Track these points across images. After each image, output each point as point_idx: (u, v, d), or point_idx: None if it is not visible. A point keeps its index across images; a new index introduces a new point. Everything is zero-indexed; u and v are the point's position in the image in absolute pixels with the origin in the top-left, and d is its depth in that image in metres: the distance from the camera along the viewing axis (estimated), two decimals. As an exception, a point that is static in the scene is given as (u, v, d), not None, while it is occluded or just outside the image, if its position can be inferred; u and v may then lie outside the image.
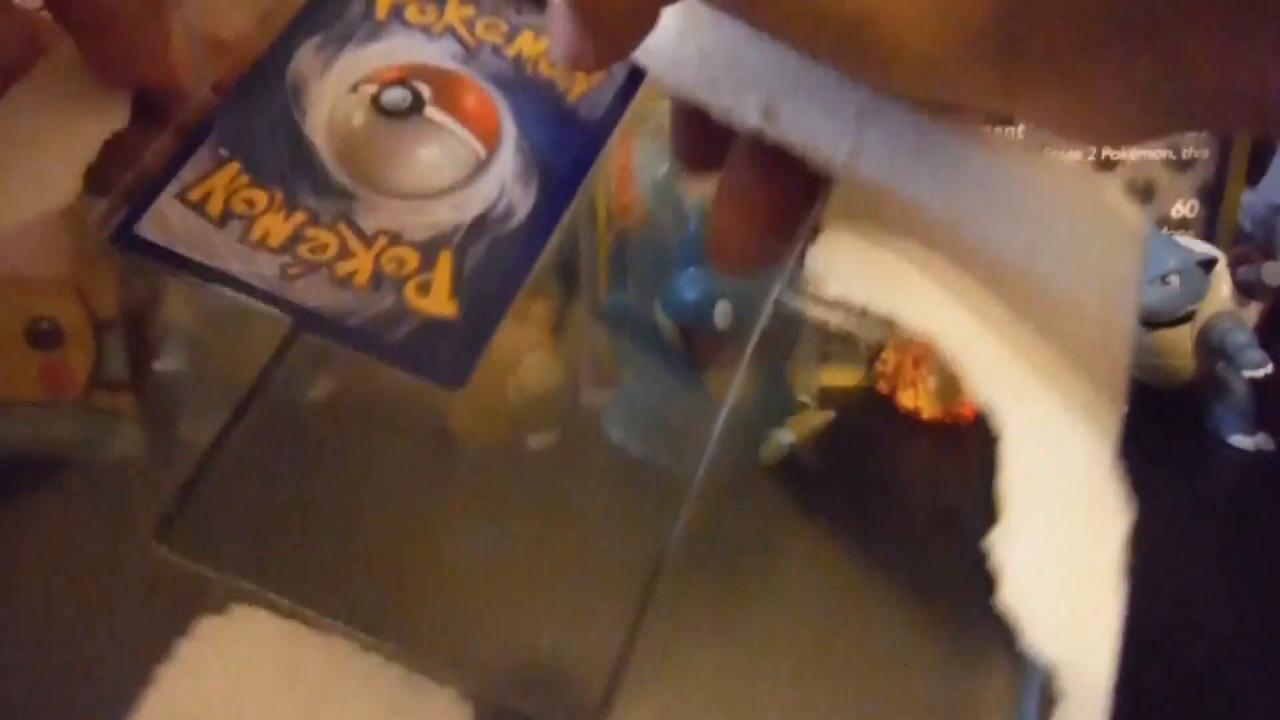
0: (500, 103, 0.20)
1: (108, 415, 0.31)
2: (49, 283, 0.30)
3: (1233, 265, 0.42)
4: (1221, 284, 0.41)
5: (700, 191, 0.34)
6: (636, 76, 0.21)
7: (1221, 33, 0.14)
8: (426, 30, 0.20)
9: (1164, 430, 0.37)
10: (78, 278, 0.31)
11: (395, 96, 0.20)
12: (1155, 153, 0.46)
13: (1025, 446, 0.18)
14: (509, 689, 0.21)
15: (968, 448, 0.38)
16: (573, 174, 0.20)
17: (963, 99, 0.17)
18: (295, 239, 0.18)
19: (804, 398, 0.39)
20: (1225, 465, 0.39)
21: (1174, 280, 0.39)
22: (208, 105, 0.19)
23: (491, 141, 0.20)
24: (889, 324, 0.18)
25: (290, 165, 0.19)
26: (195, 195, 0.18)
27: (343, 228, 0.18)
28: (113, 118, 0.19)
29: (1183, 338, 0.40)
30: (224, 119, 0.19)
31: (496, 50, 0.21)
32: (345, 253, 0.18)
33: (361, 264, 0.18)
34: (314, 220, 0.18)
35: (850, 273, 0.19)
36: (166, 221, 0.18)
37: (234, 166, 0.18)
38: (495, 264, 0.19)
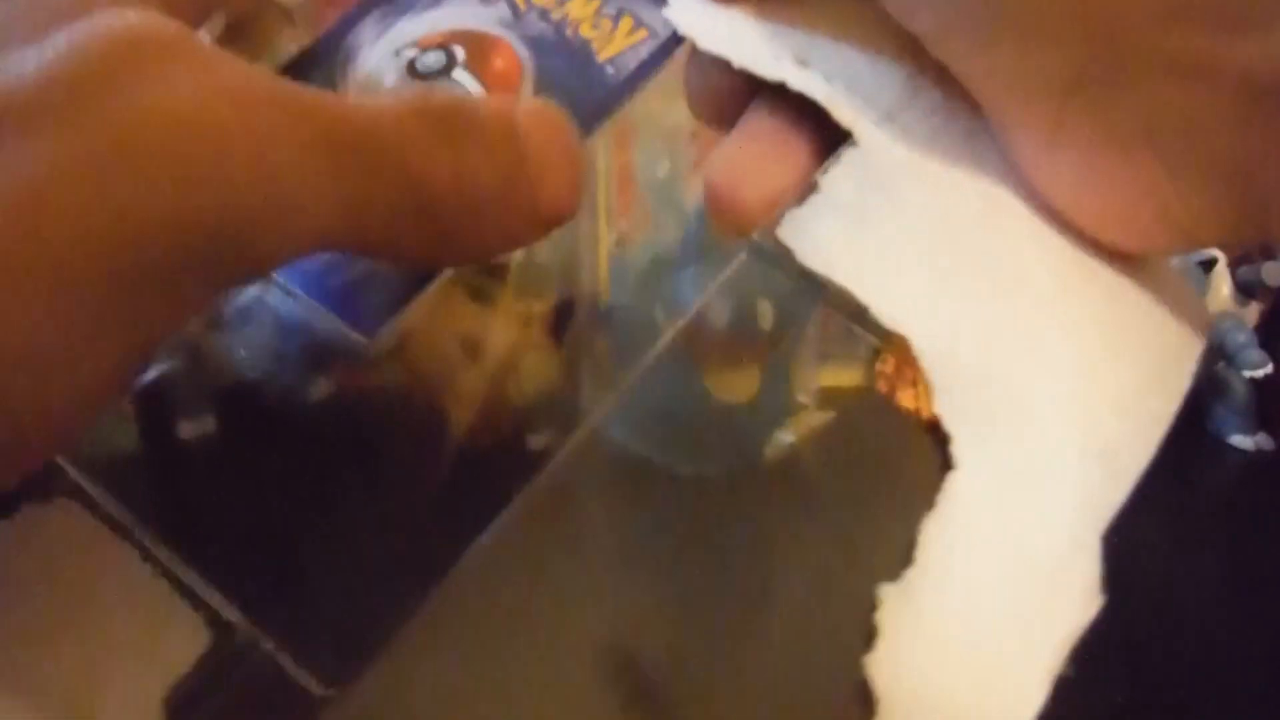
0: (528, 64, 0.20)
1: (108, 415, 0.31)
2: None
3: (1233, 265, 0.42)
4: (1221, 284, 0.41)
5: (701, 194, 0.34)
6: (674, 39, 0.21)
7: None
8: None
9: (1164, 430, 0.37)
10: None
11: (430, 60, 0.20)
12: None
13: (977, 492, 0.15)
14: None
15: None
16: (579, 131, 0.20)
17: (1013, 117, 0.15)
18: None
19: (804, 398, 0.39)
20: (1225, 465, 0.39)
21: (1174, 280, 0.39)
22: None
23: (505, 94, 0.20)
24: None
25: None
26: None
27: None
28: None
29: (1183, 338, 0.40)
30: None
31: (544, 14, 0.21)
32: None
33: None
34: None
35: (833, 246, 0.16)
36: None
37: None
38: None
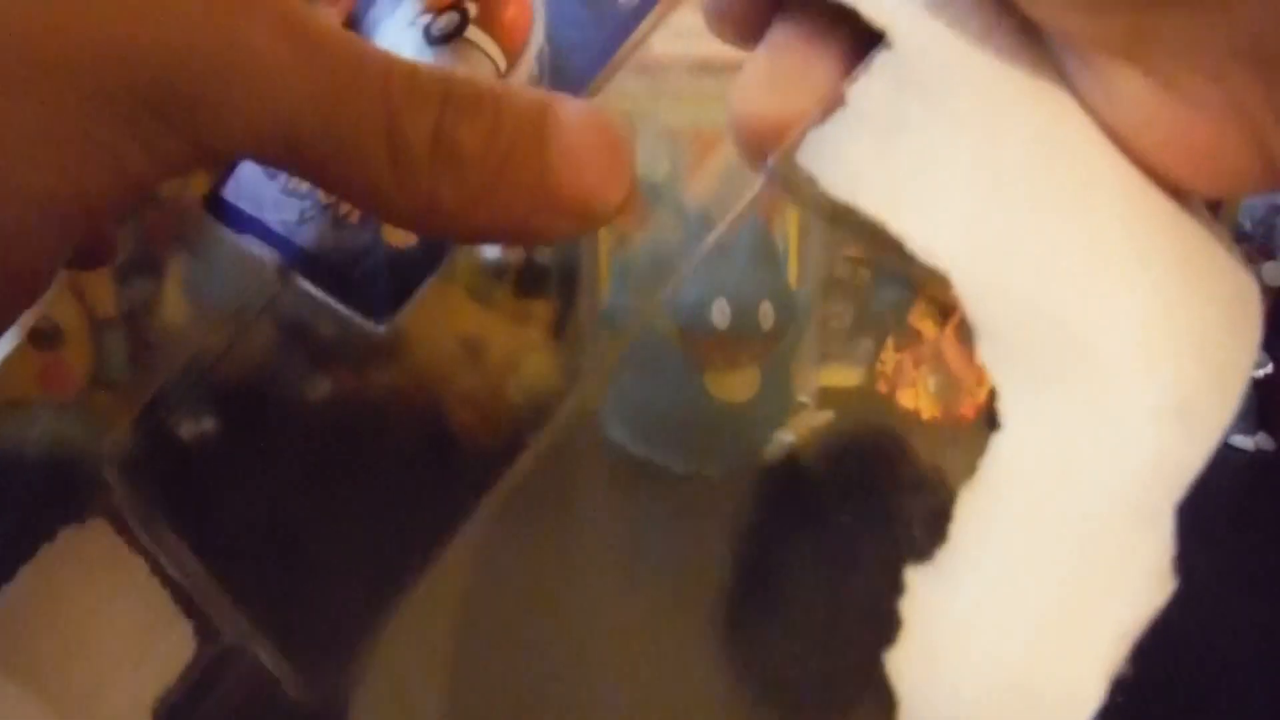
0: (538, 11, 0.20)
1: (108, 415, 0.31)
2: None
3: (1232, 265, 0.42)
4: (1221, 284, 0.41)
5: (701, 194, 0.34)
6: None
7: None
8: None
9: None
10: (78, 278, 0.30)
11: (444, 22, 0.20)
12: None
13: (1027, 455, 0.13)
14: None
15: (968, 448, 0.38)
16: (585, 72, 0.20)
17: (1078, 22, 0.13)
18: None
19: (804, 398, 0.39)
20: (1225, 465, 0.38)
21: (1174, 280, 0.39)
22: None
23: (515, 52, 0.20)
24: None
25: None
26: None
27: None
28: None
29: (1183, 338, 0.40)
30: None
31: None
32: None
33: None
34: None
35: (861, 166, 0.14)
36: (242, 183, 0.19)
37: None
38: None
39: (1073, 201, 0.14)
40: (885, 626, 0.13)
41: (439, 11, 0.20)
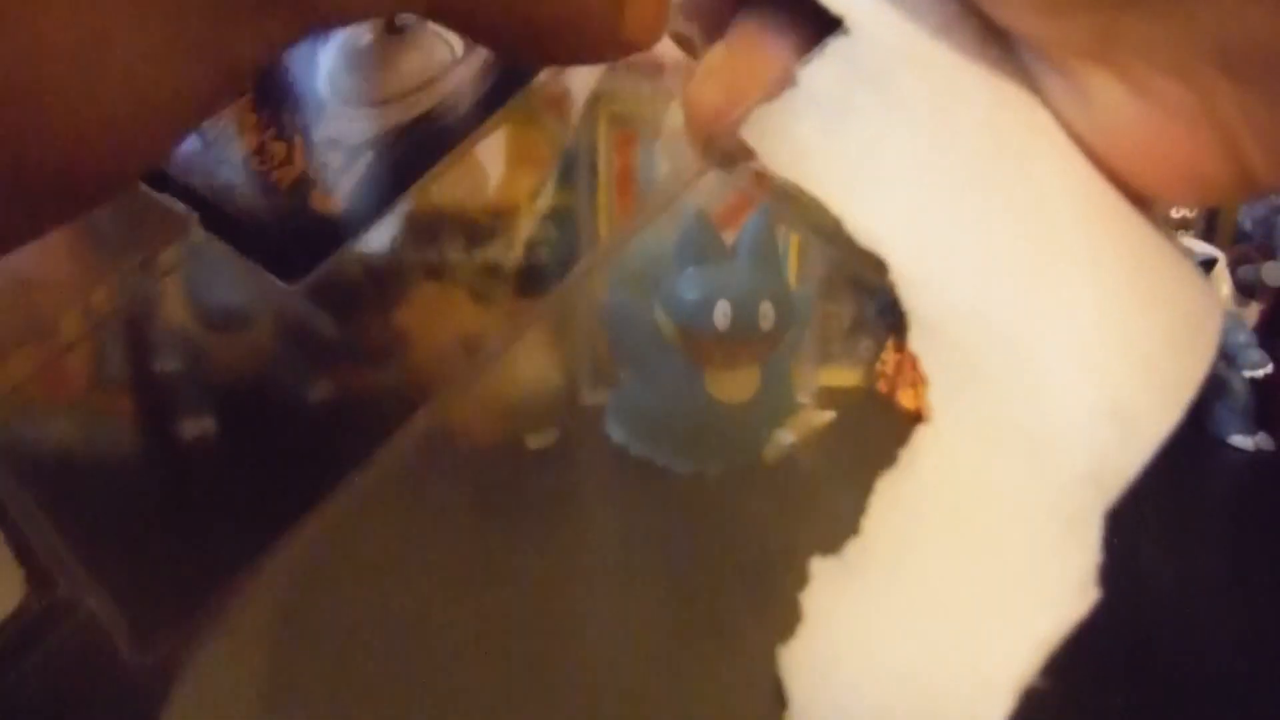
0: None
1: (108, 415, 0.31)
2: (49, 283, 0.30)
3: (1232, 265, 0.42)
4: (1221, 284, 0.41)
5: (700, 195, 0.34)
6: None
7: None
8: None
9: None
10: (78, 278, 0.30)
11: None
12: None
13: (951, 449, 0.12)
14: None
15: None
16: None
17: (1051, 25, 0.13)
18: (257, 151, 0.20)
19: (804, 398, 0.39)
20: (1225, 465, 0.39)
21: (1174, 280, 0.39)
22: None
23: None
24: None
25: (289, 86, 0.20)
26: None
27: (297, 138, 0.20)
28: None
29: (1183, 338, 0.40)
30: None
31: None
32: (286, 160, 0.19)
33: (294, 171, 0.19)
34: (278, 133, 0.20)
35: (806, 145, 0.14)
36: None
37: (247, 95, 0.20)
38: (404, 163, 0.20)
39: (1021, 200, 0.13)
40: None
41: None
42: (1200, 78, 0.12)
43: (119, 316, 0.26)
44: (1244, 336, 0.39)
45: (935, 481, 0.12)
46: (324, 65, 0.20)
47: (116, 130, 0.11)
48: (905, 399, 0.41)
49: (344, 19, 0.12)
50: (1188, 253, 0.14)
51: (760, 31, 0.16)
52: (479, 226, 0.27)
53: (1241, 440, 0.39)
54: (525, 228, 0.30)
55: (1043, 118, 0.14)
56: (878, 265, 0.13)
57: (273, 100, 0.20)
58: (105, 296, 0.29)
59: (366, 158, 0.20)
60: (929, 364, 0.12)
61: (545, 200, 0.31)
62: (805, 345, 0.40)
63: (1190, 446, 0.40)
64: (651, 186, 0.36)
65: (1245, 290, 0.43)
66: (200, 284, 0.21)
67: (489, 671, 0.26)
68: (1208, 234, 0.45)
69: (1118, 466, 0.12)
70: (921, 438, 0.12)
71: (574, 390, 0.36)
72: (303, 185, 0.19)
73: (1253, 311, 0.43)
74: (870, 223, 0.13)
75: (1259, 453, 0.39)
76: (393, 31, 0.20)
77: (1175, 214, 0.46)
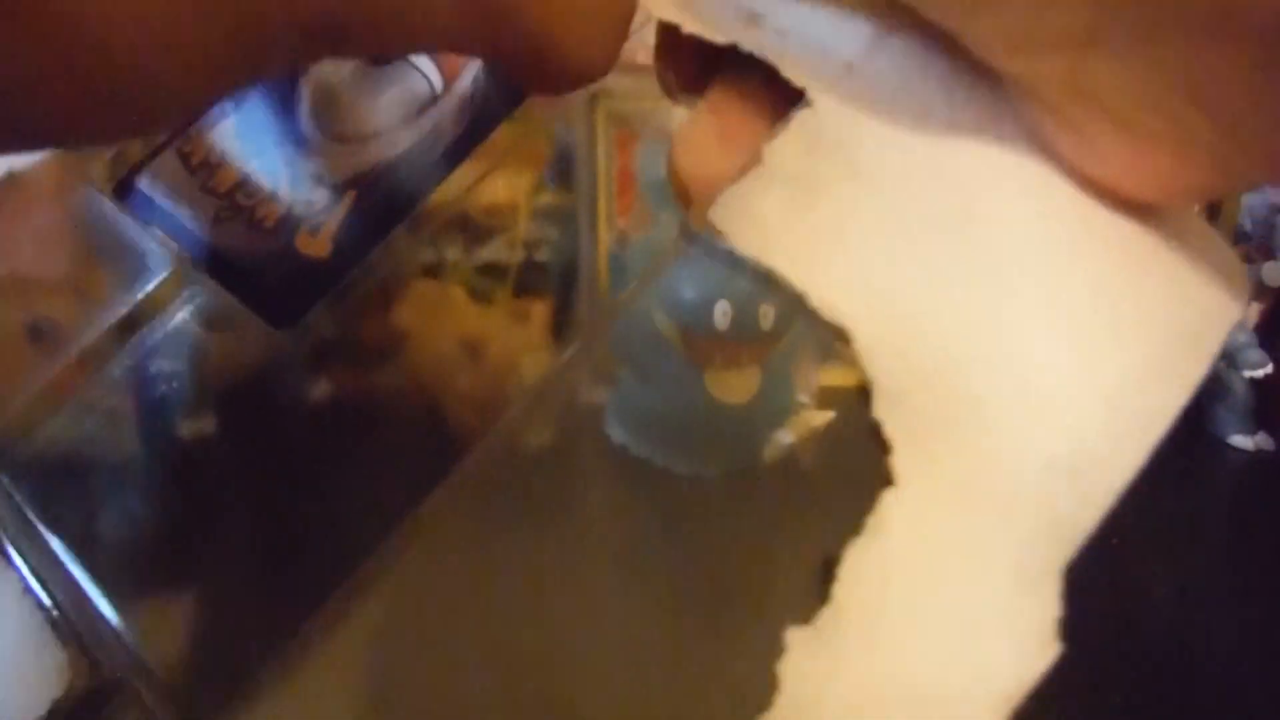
0: None
1: (108, 415, 0.31)
2: (49, 283, 0.30)
3: (1233, 265, 0.42)
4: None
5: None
6: None
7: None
8: None
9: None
10: (78, 278, 0.30)
11: None
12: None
13: (914, 514, 0.12)
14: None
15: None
16: (516, 95, 0.20)
17: (1029, 66, 0.13)
18: (238, 185, 0.19)
19: (804, 398, 0.39)
20: (1225, 465, 0.39)
21: (1174, 280, 0.39)
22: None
23: (453, 73, 0.20)
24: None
25: (273, 120, 0.20)
26: (189, 148, 0.20)
27: (281, 172, 0.20)
28: None
29: (1183, 338, 0.40)
30: None
31: None
32: (270, 197, 0.19)
33: (278, 208, 0.19)
34: (261, 166, 0.20)
35: (772, 225, 0.14)
36: (160, 173, 0.19)
37: (229, 123, 0.20)
38: (386, 202, 0.20)
39: (982, 258, 0.13)
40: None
41: None
42: (1174, 110, 0.13)
43: (119, 316, 0.26)
44: (1244, 336, 0.39)
45: (903, 547, 0.12)
46: (305, 99, 0.20)
47: (153, 82, 0.11)
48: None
49: (406, 50, 0.12)
50: (1209, 239, 0.14)
51: (735, 99, 0.16)
52: (479, 226, 0.27)
53: (1241, 440, 0.39)
54: (525, 228, 0.30)
55: (1012, 167, 0.14)
56: (841, 335, 0.13)
57: (255, 132, 0.20)
58: (106, 296, 0.28)
59: (350, 196, 0.20)
60: (892, 430, 0.12)
61: (545, 200, 0.31)
62: (805, 345, 0.40)
63: (1190, 446, 0.40)
64: (651, 187, 0.36)
65: (1245, 290, 0.42)
66: (200, 285, 0.21)
67: (488, 671, 0.26)
68: (1208, 234, 0.45)
69: (1077, 519, 0.12)
70: (887, 504, 0.12)
71: (574, 390, 0.36)
72: (288, 224, 0.19)
73: (1253, 311, 0.43)
74: (832, 297, 0.13)
75: (1259, 453, 0.39)
76: (375, 64, 0.20)
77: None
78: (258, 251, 0.19)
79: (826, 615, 0.12)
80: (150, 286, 0.22)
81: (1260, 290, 0.43)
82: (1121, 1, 0.12)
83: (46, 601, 0.20)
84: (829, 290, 0.13)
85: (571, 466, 0.34)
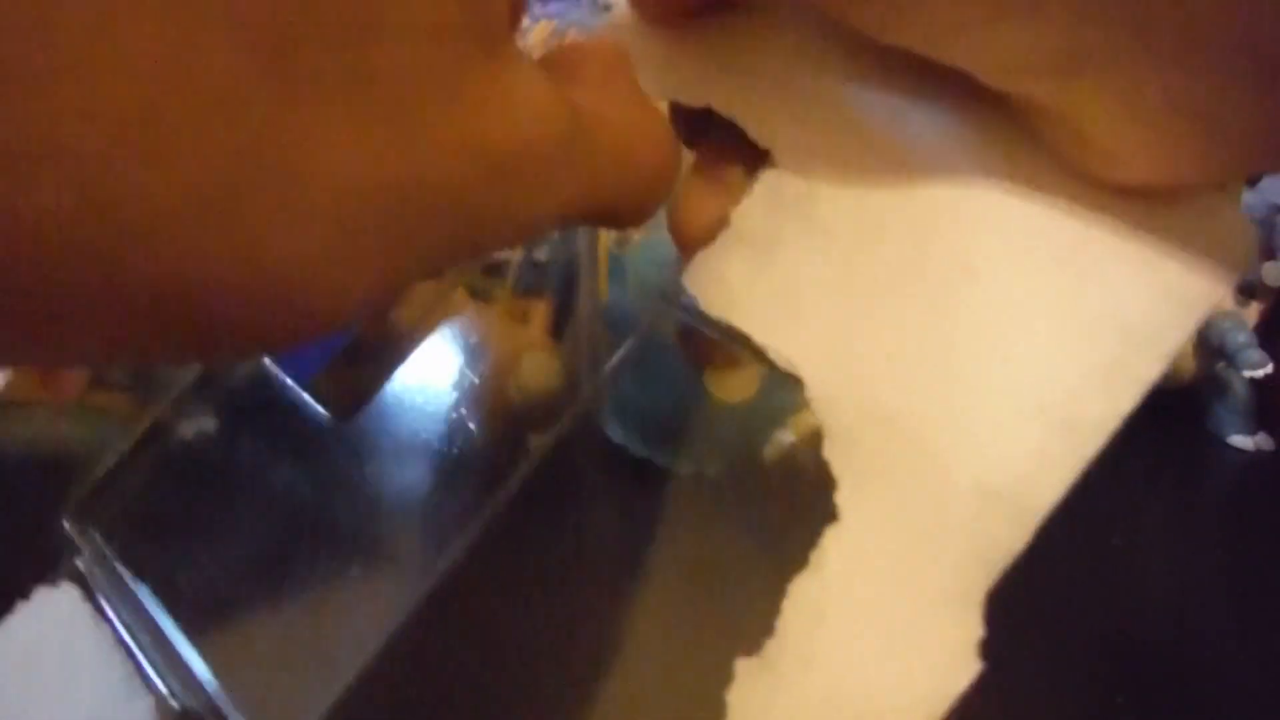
0: None
1: (108, 415, 0.31)
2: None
3: (1233, 265, 0.42)
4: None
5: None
6: None
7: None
8: None
9: (1164, 430, 0.37)
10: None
11: None
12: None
13: (854, 547, 0.13)
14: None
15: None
16: None
17: (1012, 52, 0.14)
18: None
19: (804, 398, 0.39)
20: (1225, 465, 0.39)
21: (1174, 280, 0.39)
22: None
23: None
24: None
25: None
26: None
27: None
28: None
29: (1183, 338, 0.40)
30: None
31: None
32: None
33: None
34: None
35: (736, 286, 0.15)
36: None
37: None
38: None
39: (929, 297, 0.14)
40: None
41: None
42: (1156, 120, 0.13)
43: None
44: (1244, 336, 0.38)
45: (839, 578, 0.13)
46: None
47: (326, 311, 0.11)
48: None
49: (495, 249, 0.13)
50: (1207, 219, 0.14)
51: (722, 153, 0.17)
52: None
53: (1241, 440, 0.39)
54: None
55: (961, 195, 0.14)
56: (797, 383, 0.14)
57: None
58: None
59: None
60: (839, 469, 0.13)
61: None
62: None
63: (1190, 446, 0.40)
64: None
65: (1245, 290, 0.42)
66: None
67: (488, 671, 0.26)
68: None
69: (1005, 542, 0.13)
70: (830, 538, 0.13)
71: (574, 390, 0.36)
72: None
73: (1253, 311, 0.43)
74: (787, 348, 0.14)
75: (1259, 453, 0.39)
76: None
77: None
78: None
79: (770, 644, 0.13)
80: None
81: (1260, 290, 0.42)
82: (1093, 35, 0.13)
83: (136, 651, 0.21)
84: (784, 342, 0.14)
85: (571, 466, 0.34)
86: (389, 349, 0.20)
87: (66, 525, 0.22)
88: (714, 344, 0.34)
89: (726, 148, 0.17)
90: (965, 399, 0.13)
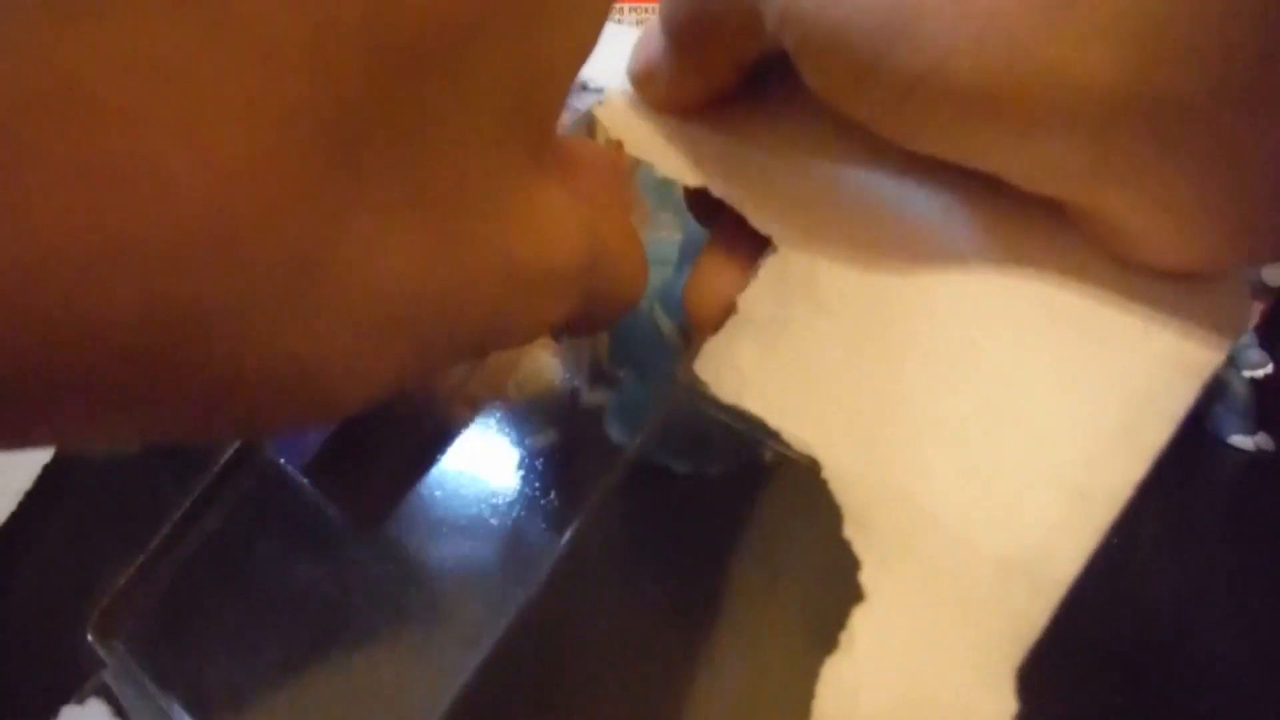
0: None
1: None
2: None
3: (1233, 265, 0.42)
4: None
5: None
6: None
7: None
8: None
9: (1164, 430, 0.37)
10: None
11: None
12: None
13: (883, 626, 0.13)
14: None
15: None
16: None
17: (1039, 164, 0.14)
18: None
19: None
20: (1225, 465, 0.39)
21: (1174, 280, 0.39)
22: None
23: None
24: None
25: None
26: None
27: None
28: None
29: (1183, 338, 0.40)
30: None
31: None
32: None
33: None
34: None
35: (746, 371, 0.15)
36: None
37: None
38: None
39: (941, 374, 0.14)
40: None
41: None
42: (1183, 216, 0.14)
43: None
44: (1244, 336, 0.38)
45: (870, 659, 0.13)
46: None
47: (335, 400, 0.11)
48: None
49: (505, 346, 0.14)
50: (1204, 285, 0.15)
51: (733, 234, 0.18)
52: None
53: (1241, 440, 0.39)
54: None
55: (966, 274, 0.15)
56: (813, 464, 0.14)
57: None
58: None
59: None
60: (860, 548, 0.13)
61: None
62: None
63: (1190, 446, 0.40)
64: (651, 187, 0.36)
65: (1245, 290, 0.42)
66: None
67: (488, 670, 0.26)
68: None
69: (1032, 615, 0.13)
70: (857, 619, 0.13)
71: (574, 390, 0.36)
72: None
73: (1253, 311, 0.43)
74: (799, 429, 0.14)
75: (1259, 453, 0.39)
76: None
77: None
78: (340, 437, 0.19)
79: None
80: (230, 453, 0.23)
81: (1260, 290, 0.42)
82: (1121, 146, 0.13)
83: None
84: (796, 424, 0.14)
85: (571, 466, 0.34)
86: (415, 446, 0.20)
87: (90, 638, 0.22)
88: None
89: (741, 225, 0.18)
90: (980, 473, 0.13)
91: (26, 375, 0.08)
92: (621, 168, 0.15)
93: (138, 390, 0.09)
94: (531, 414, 0.34)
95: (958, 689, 0.12)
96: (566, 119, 0.19)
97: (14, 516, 0.31)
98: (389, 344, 0.11)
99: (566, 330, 0.15)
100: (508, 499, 0.25)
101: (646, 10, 0.46)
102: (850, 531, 0.13)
